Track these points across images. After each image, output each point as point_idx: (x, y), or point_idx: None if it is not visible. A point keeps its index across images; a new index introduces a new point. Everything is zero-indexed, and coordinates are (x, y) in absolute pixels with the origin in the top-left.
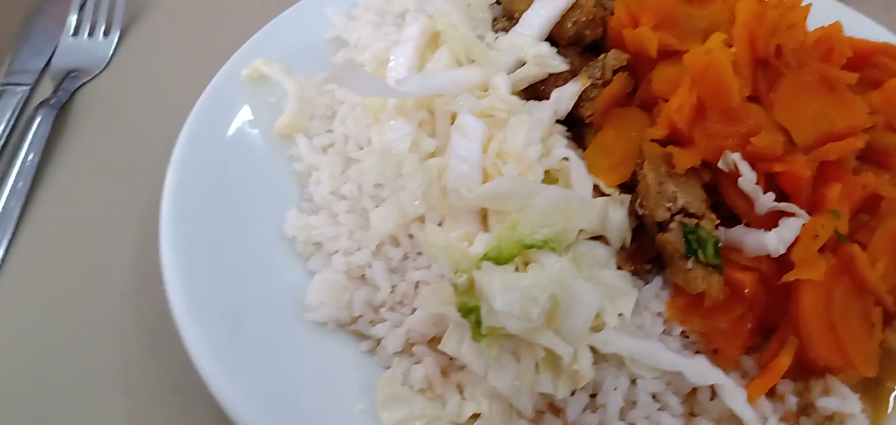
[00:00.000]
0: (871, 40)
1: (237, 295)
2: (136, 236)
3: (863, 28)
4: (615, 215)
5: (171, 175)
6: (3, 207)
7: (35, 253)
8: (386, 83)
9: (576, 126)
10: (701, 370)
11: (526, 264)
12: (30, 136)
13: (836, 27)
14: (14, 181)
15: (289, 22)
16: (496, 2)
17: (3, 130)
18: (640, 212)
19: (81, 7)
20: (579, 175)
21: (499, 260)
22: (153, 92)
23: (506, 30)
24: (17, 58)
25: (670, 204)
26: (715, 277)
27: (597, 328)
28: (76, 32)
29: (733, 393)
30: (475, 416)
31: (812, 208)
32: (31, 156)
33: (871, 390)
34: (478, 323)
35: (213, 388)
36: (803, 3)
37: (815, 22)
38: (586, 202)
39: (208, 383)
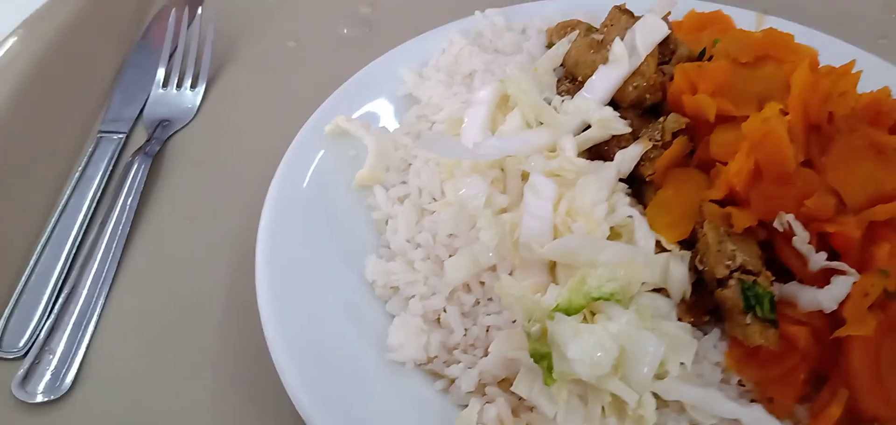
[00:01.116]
0: None
1: (325, 335)
2: (225, 274)
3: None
4: (676, 270)
5: (263, 224)
6: (105, 247)
7: (135, 292)
8: (467, 147)
9: (636, 184)
10: (758, 418)
11: (593, 314)
12: (128, 182)
13: (885, 92)
14: (115, 224)
15: (364, 79)
16: (560, 65)
17: (104, 174)
18: (701, 267)
19: (169, 59)
20: (643, 232)
21: (569, 310)
22: (238, 140)
23: (569, 92)
24: (112, 107)
25: (730, 261)
26: (771, 331)
27: (660, 376)
28: (166, 84)
29: None
30: None
31: (862, 266)
32: (130, 201)
33: None
34: (549, 369)
35: (306, 417)
36: (854, 71)
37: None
38: (649, 257)
39: (303, 414)
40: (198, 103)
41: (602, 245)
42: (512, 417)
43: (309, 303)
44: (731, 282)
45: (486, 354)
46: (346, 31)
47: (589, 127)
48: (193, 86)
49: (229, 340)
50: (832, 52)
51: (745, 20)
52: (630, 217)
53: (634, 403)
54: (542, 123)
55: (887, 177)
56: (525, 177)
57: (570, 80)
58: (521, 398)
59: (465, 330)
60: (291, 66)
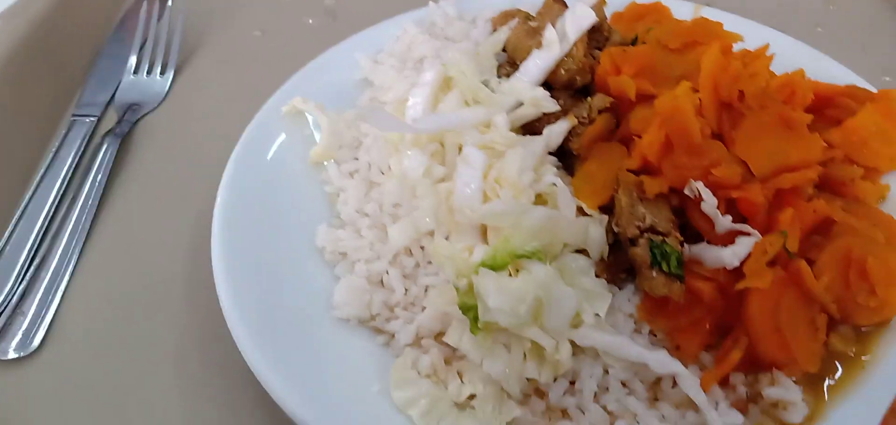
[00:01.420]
0: (837, 84)
1: (276, 296)
2: (189, 247)
3: (837, 73)
4: (594, 232)
5: (220, 195)
6: (75, 220)
7: (102, 262)
8: (403, 121)
9: (567, 158)
10: (662, 361)
11: (517, 271)
12: (98, 161)
13: (799, 73)
14: (84, 199)
15: (322, 65)
16: (503, 49)
17: (75, 154)
18: (616, 229)
19: (141, 48)
20: (565, 198)
21: (494, 266)
22: (204, 123)
23: (509, 75)
24: (86, 93)
25: (640, 222)
26: (676, 285)
27: (576, 325)
28: (136, 71)
29: (689, 381)
30: (472, 397)
31: (767, 230)
32: (99, 178)
33: (814, 383)
34: (475, 319)
35: (254, 370)
36: (768, 54)
37: (793, 66)
38: (570, 221)
39: (251, 366)
40: (166, 88)
41: (526, 209)
42: (444, 365)
43: (262, 269)
44: (641, 240)
45: (423, 311)
46: (311, 21)
47: (522, 105)
48: (163, 72)
49: (190, 307)
50: (764, 39)
51: (685, 11)
52: (554, 185)
53: (552, 349)
54: (478, 103)
55: (793, 149)
56: (462, 150)
57: (511, 64)
58: (453, 348)
59: (406, 289)
60: (257, 55)
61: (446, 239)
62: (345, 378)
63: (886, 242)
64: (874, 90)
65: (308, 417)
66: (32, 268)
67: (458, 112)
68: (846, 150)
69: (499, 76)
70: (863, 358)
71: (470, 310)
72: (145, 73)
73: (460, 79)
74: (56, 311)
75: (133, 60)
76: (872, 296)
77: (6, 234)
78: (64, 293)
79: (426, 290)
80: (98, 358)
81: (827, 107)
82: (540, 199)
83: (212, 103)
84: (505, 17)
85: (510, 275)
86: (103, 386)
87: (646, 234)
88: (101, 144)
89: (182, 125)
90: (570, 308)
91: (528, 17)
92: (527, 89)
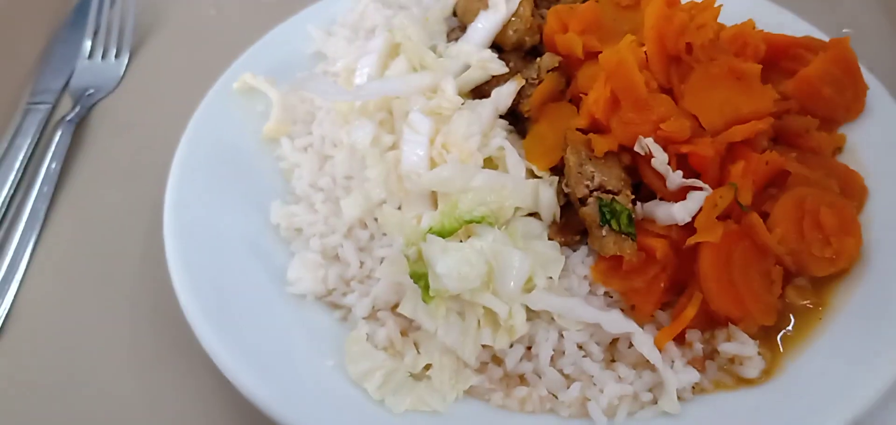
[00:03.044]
0: (791, 35)
1: (229, 274)
2: (145, 229)
3: (793, 26)
4: (545, 193)
5: (172, 175)
6: (31, 209)
7: (58, 246)
8: (345, 89)
9: (519, 121)
10: (616, 321)
11: (468, 237)
12: (52, 148)
13: (749, 24)
14: (39, 186)
15: (275, 39)
16: (454, 14)
17: (30, 143)
18: (566, 190)
19: (95, 33)
20: (513, 160)
21: (443, 233)
22: (158, 105)
23: (458, 40)
24: (40, 80)
25: (588, 182)
26: (627, 243)
27: (529, 289)
28: (91, 56)
29: (643, 340)
30: (428, 367)
31: (720, 184)
32: (53, 165)
33: (770, 337)
34: (426, 288)
35: (209, 351)
36: (716, 4)
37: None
38: (519, 183)
39: (205, 347)
40: (121, 72)
41: (473, 173)
42: (401, 337)
43: (214, 246)
44: (591, 200)
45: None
46: None
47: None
48: (118, 55)
49: (147, 290)
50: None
51: None
52: (501, 147)
53: (505, 314)
54: (425, 68)
55: (744, 101)
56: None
57: (462, 28)
58: (410, 320)
59: (361, 262)
60: (212, 33)
61: (399, 208)
62: (300, 354)
63: (841, 192)
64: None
65: (262, 394)
66: None
67: (403, 77)
68: (801, 101)
69: (448, 40)
70: (819, 309)
71: (421, 278)
72: (100, 56)
73: (407, 44)
74: (13, 301)
75: (87, 45)
76: (827, 247)
77: None
78: (20, 282)
79: (382, 262)
80: (56, 346)
81: (782, 60)
82: (489, 163)
83: (168, 84)
84: None
85: (461, 241)
86: (61, 372)
87: (595, 193)
88: (54, 131)
89: (138, 108)
90: (522, 272)
91: None
92: (474, 52)
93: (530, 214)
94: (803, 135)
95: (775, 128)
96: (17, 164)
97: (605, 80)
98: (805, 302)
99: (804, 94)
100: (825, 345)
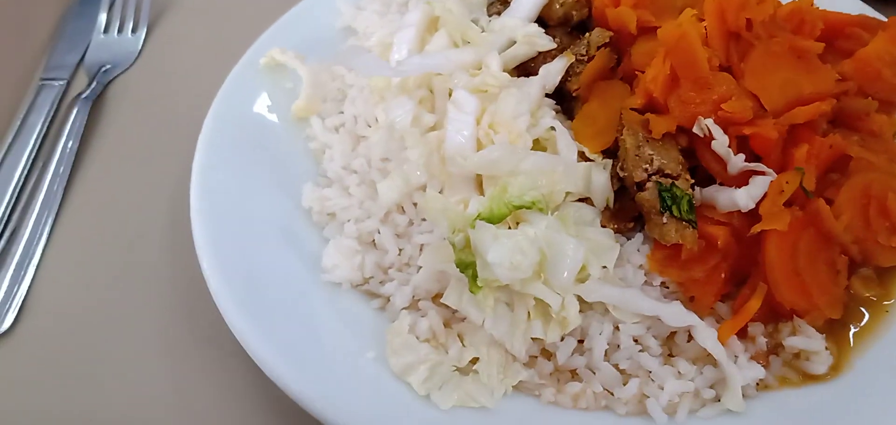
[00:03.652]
0: (845, 12)
1: (261, 260)
2: (166, 211)
3: (842, 3)
4: (598, 178)
5: (198, 156)
6: (47, 190)
7: (77, 233)
8: (387, 63)
9: (566, 100)
10: (676, 313)
11: (517, 224)
12: (68, 126)
13: (807, 1)
14: (55, 166)
15: (302, 13)
16: None
17: (44, 121)
18: (622, 174)
19: (111, 7)
20: (565, 142)
21: (491, 219)
22: (178, 82)
23: (499, 13)
24: (54, 55)
25: (647, 165)
26: (689, 231)
27: (582, 279)
28: (107, 30)
29: (705, 334)
30: (474, 360)
31: (782, 168)
32: (70, 144)
33: (836, 331)
34: (474, 277)
35: (241, 340)
36: None
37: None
38: (571, 166)
39: (237, 336)
40: (139, 47)
41: (523, 155)
42: (444, 328)
43: (244, 230)
44: (649, 184)
45: (418, 271)
46: None
47: (515, 44)
48: (134, 30)
49: (173, 276)
50: None
51: None
52: (552, 128)
53: (557, 306)
54: (468, 43)
55: (806, 81)
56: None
57: (502, 1)
58: (453, 310)
59: (400, 249)
60: (233, 6)
61: (440, 192)
62: (338, 346)
63: None
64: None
65: (300, 389)
66: (2, 243)
67: (446, 52)
68: (859, 82)
69: (489, 14)
70: (884, 302)
71: (468, 267)
72: (116, 31)
73: (447, 18)
74: (29, 287)
75: (103, 19)
76: (894, 235)
77: None
78: (37, 267)
79: (421, 249)
80: (75, 336)
81: (837, 38)
82: (538, 145)
83: (187, 60)
84: None
85: (509, 228)
86: (82, 365)
87: (653, 178)
88: (71, 109)
89: (156, 85)
90: (576, 261)
91: None
92: (519, 26)
93: (581, 199)
94: (863, 117)
95: (834, 110)
96: (31, 143)
97: (664, 56)
98: (871, 293)
99: (863, 75)
100: (893, 340)
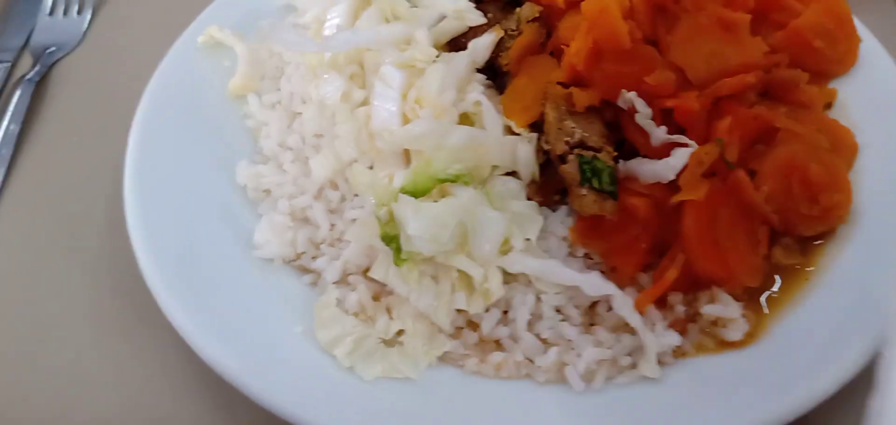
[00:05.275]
0: None
1: (193, 238)
2: (109, 193)
3: None
4: (523, 151)
5: (133, 134)
6: None
7: (19, 211)
8: (312, 39)
9: (498, 76)
10: (595, 283)
11: (443, 197)
12: (11, 108)
13: None
14: None
15: None
16: None
17: None
18: (545, 147)
19: None
20: (491, 117)
21: (415, 193)
22: (123, 63)
23: None
24: None
25: (568, 138)
26: (609, 202)
27: (505, 251)
28: (52, 12)
29: (623, 303)
30: (401, 333)
31: (706, 140)
32: (12, 126)
33: (755, 299)
34: (398, 250)
35: (171, 319)
36: None
37: None
38: (496, 140)
39: (167, 315)
40: (84, 28)
41: (448, 129)
42: (372, 302)
43: (178, 209)
44: (571, 157)
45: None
46: None
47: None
48: (80, 11)
49: (110, 255)
50: None
51: None
52: (478, 103)
53: (480, 277)
54: (398, 18)
55: (732, 53)
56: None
57: None
58: (382, 284)
59: (331, 225)
60: None
61: (370, 168)
62: (267, 321)
63: (831, 148)
64: None
65: (226, 364)
66: None
67: (375, 28)
68: (791, 54)
69: None
70: (806, 270)
71: (392, 240)
72: (62, 12)
73: None
74: None
75: (48, 1)
76: (815, 204)
77: None
78: None
79: (353, 224)
80: (14, 315)
81: (771, 11)
82: (465, 119)
83: (133, 40)
84: None
85: (436, 201)
86: (20, 343)
87: (575, 150)
88: (14, 91)
89: (101, 66)
90: (498, 233)
91: None
92: (449, 1)
93: (509, 173)
94: (793, 89)
95: (764, 82)
96: None
97: (586, 29)
98: (792, 262)
99: (794, 47)
100: (811, 307)
